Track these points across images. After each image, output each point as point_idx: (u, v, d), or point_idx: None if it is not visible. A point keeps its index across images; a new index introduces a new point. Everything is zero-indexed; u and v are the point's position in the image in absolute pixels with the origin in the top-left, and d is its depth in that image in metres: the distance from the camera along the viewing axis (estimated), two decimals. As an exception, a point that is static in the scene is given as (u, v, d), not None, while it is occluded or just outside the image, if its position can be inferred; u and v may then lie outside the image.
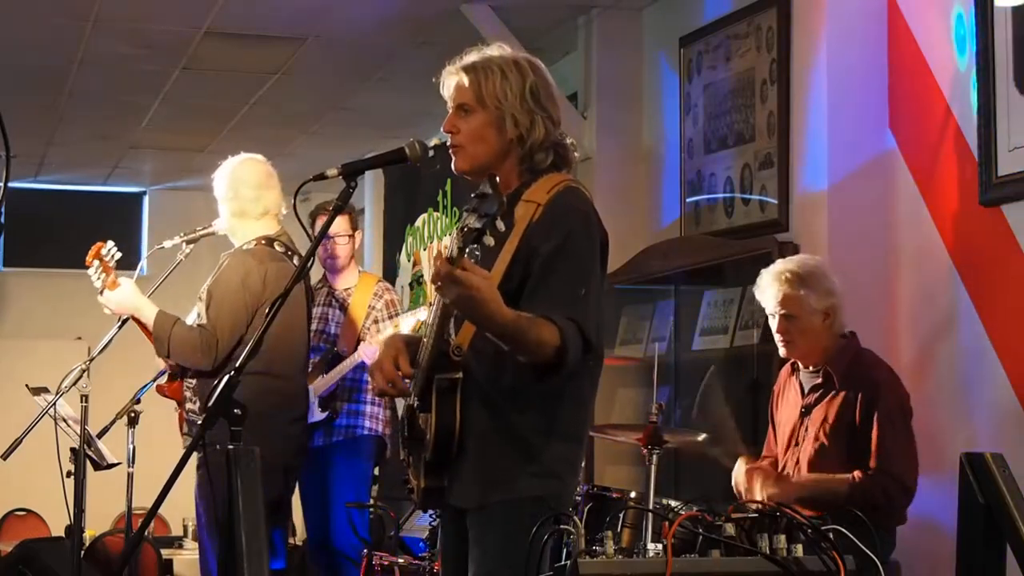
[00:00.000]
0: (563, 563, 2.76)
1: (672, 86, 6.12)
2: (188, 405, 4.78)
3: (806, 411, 4.18)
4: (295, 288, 3.10)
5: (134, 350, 5.47)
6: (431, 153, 3.10)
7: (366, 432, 5.65)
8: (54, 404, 5.23)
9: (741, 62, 5.58)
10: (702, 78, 5.87)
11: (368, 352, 5.45)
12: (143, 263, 5.65)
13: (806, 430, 4.16)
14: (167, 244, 5.02)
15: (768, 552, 2.75)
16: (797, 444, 4.18)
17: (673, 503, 3.91)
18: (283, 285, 3.00)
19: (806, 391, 4.21)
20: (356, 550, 5.23)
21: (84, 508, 5.24)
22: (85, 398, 5.18)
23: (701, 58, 5.89)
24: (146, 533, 6.93)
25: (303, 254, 4.87)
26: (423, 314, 5.63)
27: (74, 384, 5.19)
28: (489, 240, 2.61)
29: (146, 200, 11.12)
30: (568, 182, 3.01)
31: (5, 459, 5.36)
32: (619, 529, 3.78)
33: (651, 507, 3.76)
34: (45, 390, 5.41)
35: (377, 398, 5.64)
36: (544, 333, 2.79)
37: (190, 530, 7.73)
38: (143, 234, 11.00)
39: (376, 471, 5.91)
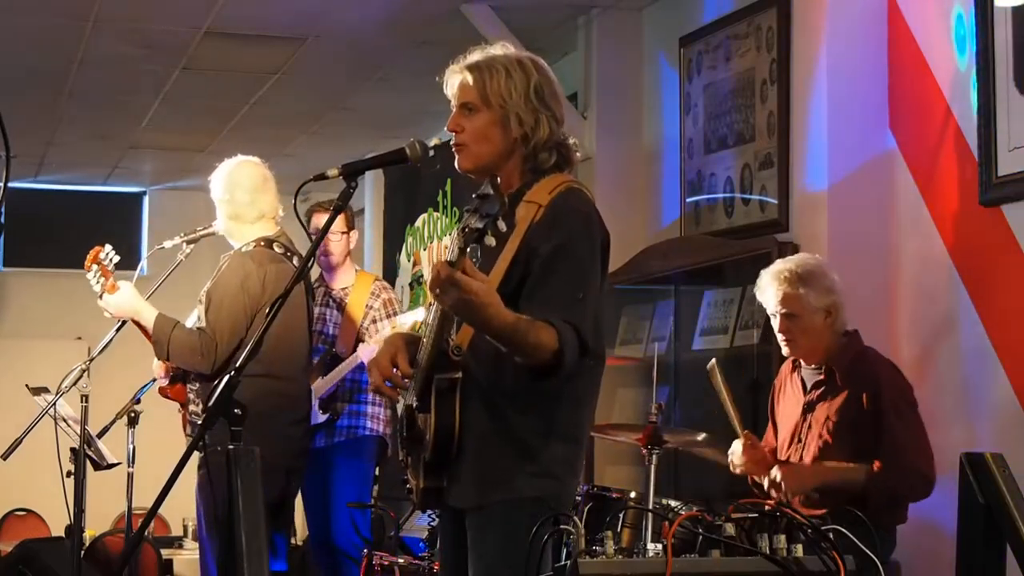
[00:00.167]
0: (563, 563, 2.76)
1: (672, 86, 6.12)
2: (191, 407, 4.77)
3: (808, 408, 4.18)
4: (295, 289, 3.09)
5: (134, 350, 5.47)
6: (431, 153, 3.10)
7: (368, 432, 5.64)
8: (54, 404, 5.23)
9: (741, 62, 5.58)
10: (702, 78, 5.87)
11: (367, 352, 5.44)
12: (143, 263, 5.65)
13: (809, 427, 4.16)
14: (167, 244, 5.02)
15: (768, 552, 2.75)
16: (800, 441, 4.18)
17: (673, 503, 3.91)
18: (283, 287, 3.00)
19: (808, 388, 4.21)
20: (358, 550, 5.22)
21: (84, 508, 5.25)
22: (85, 398, 5.19)
23: (701, 58, 5.89)
24: (146, 533, 6.93)
25: (303, 254, 4.90)
26: (421, 314, 5.62)
27: (74, 384, 5.20)
28: (490, 240, 2.61)
29: (146, 200, 11.13)
30: (570, 183, 3.01)
31: (5, 459, 5.36)
32: (619, 529, 3.78)
33: (651, 507, 3.76)
34: (45, 390, 5.42)
35: (378, 398, 5.63)
36: (542, 336, 2.79)
37: (190, 530, 7.73)
38: (143, 234, 11.01)
39: (376, 471, 5.90)
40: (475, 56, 3.05)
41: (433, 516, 4.55)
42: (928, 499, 4.07)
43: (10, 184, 2.91)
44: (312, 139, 8.99)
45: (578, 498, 3.94)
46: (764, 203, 5.38)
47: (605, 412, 5.81)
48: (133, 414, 5.54)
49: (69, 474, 5.24)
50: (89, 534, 6.64)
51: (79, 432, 5.20)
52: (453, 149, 3.04)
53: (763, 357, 5.07)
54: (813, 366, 4.21)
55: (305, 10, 6.39)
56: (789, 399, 4.30)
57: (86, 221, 10.44)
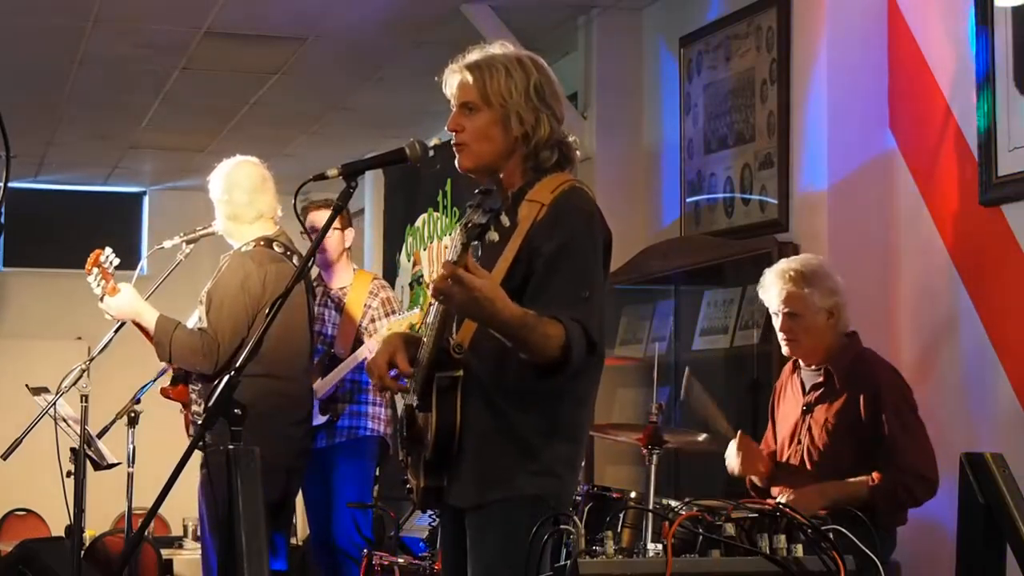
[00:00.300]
0: (563, 563, 2.76)
1: (672, 86, 6.12)
2: (194, 408, 4.77)
3: (807, 409, 4.18)
4: (296, 288, 3.09)
5: (134, 350, 5.47)
6: (431, 153, 3.10)
7: (369, 433, 5.63)
8: (54, 404, 5.23)
9: (741, 62, 5.58)
10: (702, 78, 5.87)
11: (366, 351, 5.43)
12: (143, 263, 5.65)
13: (808, 429, 4.16)
14: (167, 244, 5.02)
15: (768, 552, 2.75)
16: (799, 442, 4.18)
17: (673, 503, 3.91)
18: (283, 286, 3.00)
19: (807, 389, 4.21)
20: (359, 550, 5.22)
21: (84, 508, 5.25)
22: (85, 398, 5.19)
23: (701, 58, 5.89)
24: (146, 533, 6.93)
25: (302, 254, 4.90)
26: (415, 317, 5.61)
27: (74, 384, 5.20)
28: (493, 236, 2.61)
29: (146, 200, 11.13)
30: (572, 182, 3.01)
31: (5, 459, 5.36)
32: (619, 529, 3.78)
33: (651, 507, 3.76)
34: (45, 390, 5.42)
35: (379, 398, 5.63)
36: (550, 330, 2.79)
37: (190, 530, 7.73)
38: (143, 234, 11.01)
39: (376, 471, 5.89)
40: (474, 55, 3.05)
41: (433, 516, 4.55)
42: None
43: (10, 184, 2.91)
44: (312, 139, 8.99)
45: (578, 498, 3.94)
46: (764, 203, 5.38)
47: (605, 412, 5.80)
48: (133, 414, 5.54)
49: (69, 474, 5.25)
50: (89, 534, 6.64)
51: (79, 432, 5.20)
52: (454, 149, 3.04)
53: (763, 357, 5.07)
54: (812, 367, 4.21)
55: (305, 10, 6.38)
56: (789, 401, 4.30)
57: (86, 221, 10.44)
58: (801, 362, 4.25)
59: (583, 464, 3.24)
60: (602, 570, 2.70)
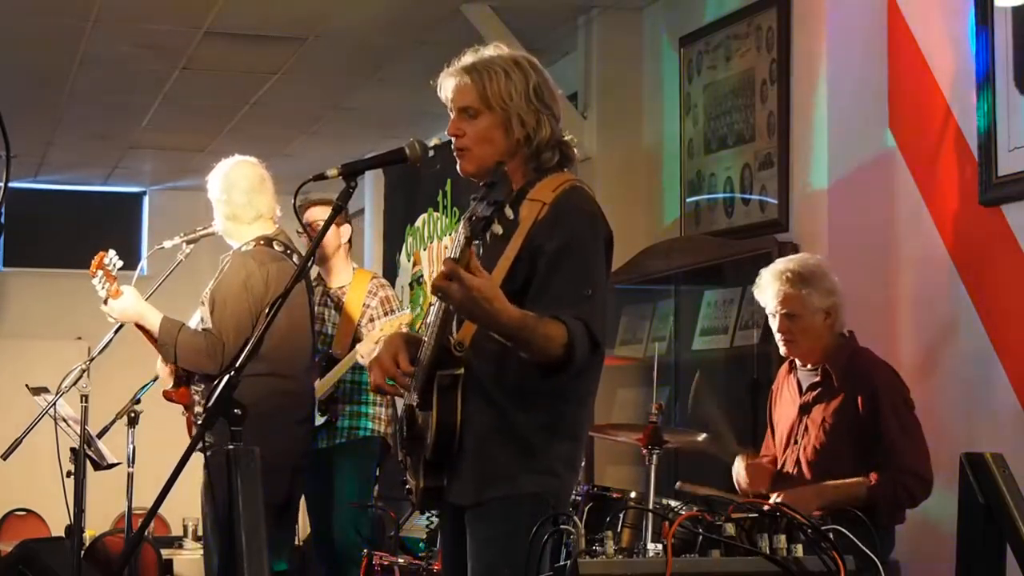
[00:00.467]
0: (563, 563, 2.76)
1: (672, 86, 6.12)
2: (197, 409, 4.77)
3: (804, 409, 4.18)
4: (297, 288, 3.09)
5: (134, 350, 5.46)
6: (431, 153, 3.10)
7: (369, 433, 5.63)
8: (54, 404, 5.23)
9: (741, 62, 5.58)
10: (702, 78, 5.87)
11: (357, 356, 5.43)
12: (143, 263, 5.64)
13: (805, 429, 4.16)
14: (167, 244, 5.02)
15: (768, 552, 2.75)
16: (796, 443, 4.18)
17: (673, 503, 3.91)
18: (285, 285, 3.00)
19: (804, 390, 4.21)
20: (359, 550, 5.22)
21: (84, 508, 5.25)
22: (85, 398, 5.19)
23: (701, 58, 5.89)
24: (146, 533, 6.93)
25: (302, 253, 4.90)
26: (406, 317, 5.60)
27: (74, 384, 5.20)
28: (497, 228, 2.60)
29: (146, 200, 11.13)
30: (573, 182, 3.01)
31: (5, 459, 5.36)
32: (619, 529, 3.78)
33: (651, 507, 3.76)
34: (45, 390, 5.42)
35: (379, 398, 5.62)
36: (551, 331, 2.79)
37: (190, 530, 7.74)
38: (143, 234, 11.01)
39: (376, 471, 5.89)
40: (469, 58, 3.04)
41: (432, 516, 4.55)
42: (928, 499, 4.07)
43: (10, 184, 2.91)
44: (312, 139, 8.99)
45: (578, 498, 3.94)
46: (764, 203, 5.38)
47: (605, 412, 5.80)
48: (133, 414, 5.53)
49: (69, 474, 5.24)
50: (89, 534, 6.64)
51: (79, 432, 5.20)
52: (455, 154, 3.04)
53: (763, 357, 5.07)
54: (809, 367, 4.20)
55: (305, 10, 6.39)
56: (786, 401, 4.30)
57: (86, 221, 10.45)
58: (798, 362, 4.25)
59: (583, 464, 3.24)
60: (602, 570, 2.70)
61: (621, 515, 3.83)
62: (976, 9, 4.48)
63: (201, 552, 5.59)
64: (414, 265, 8.32)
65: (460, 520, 3.02)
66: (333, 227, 5.64)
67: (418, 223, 8.26)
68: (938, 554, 4.17)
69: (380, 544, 5.65)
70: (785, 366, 4.34)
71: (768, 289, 4.19)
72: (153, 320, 4.71)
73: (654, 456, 3.96)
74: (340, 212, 3.01)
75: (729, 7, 5.70)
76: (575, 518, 2.78)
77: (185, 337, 4.65)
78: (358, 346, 5.47)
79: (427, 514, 4.70)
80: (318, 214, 5.59)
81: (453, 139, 3.04)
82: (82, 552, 5.48)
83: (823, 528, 2.80)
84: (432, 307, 2.94)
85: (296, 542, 6.65)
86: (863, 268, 4.86)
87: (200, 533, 6.97)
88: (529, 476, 2.92)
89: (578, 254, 2.91)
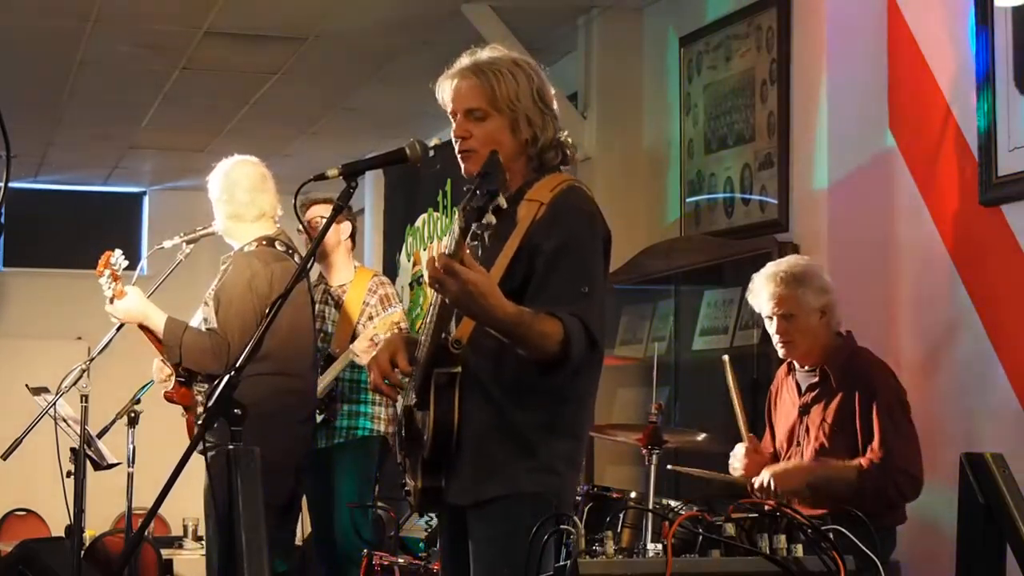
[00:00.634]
0: (563, 563, 2.76)
1: (672, 86, 6.12)
2: (199, 410, 4.76)
3: (804, 410, 4.17)
4: (298, 287, 3.09)
5: (134, 350, 5.46)
6: (431, 153, 3.10)
7: (368, 433, 5.63)
8: (54, 404, 5.23)
9: (741, 62, 5.58)
10: (702, 78, 5.87)
11: (351, 355, 5.42)
12: (143, 263, 5.64)
13: (805, 430, 4.16)
14: (167, 244, 5.01)
15: (768, 552, 2.75)
16: (797, 444, 4.18)
17: (673, 503, 3.91)
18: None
19: (803, 390, 4.20)
20: (359, 550, 5.22)
21: (84, 508, 5.25)
22: (85, 398, 5.18)
23: (701, 58, 5.89)
24: (146, 533, 6.93)
25: (302, 252, 4.90)
26: (397, 315, 5.58)
27: (74, 384, 5.20)
28: (490, 219, 2.59)
29: (146, 200, 11.13)
30: (571, 181, 3.01)
31: (5, 459, 5.37)
32: (619, 529, 3.78)
33: (651, 507, 3.76)
34: (45, 390, 5.42)
35: (379, 397, 5.61)
36: (547, 327, 2.79)
37: (190, 530, 7.74)
38: (143, 234, 11.01)
39: (376, 471, 5.89)
40: (470, 60, 3.04)
41: (431, 516, 4.54)
42: (928, 499, 4.07)
43: (10, 184, 2.91)
44: (312, 139, 8.99)
45: (578, 498, 3.94)
46: (764, 203, 5.38)
47: (605, 412, 5.80)
48: (133, 414, 5.54)
49: (69, 474, 5.25)
50: (89, 534, 6.64)
51: (79, 432, 5.20)
52: (460, 156, 3.03)
53: (763, 357, 5.06)
54: (807, 368, 4.20)
55: (305, 10, 6.39)
56: (785, 402, 4.30)
57: (86, 221, 10.45)
58: (796, 363, 4.25)
59: (583, 463, 3.23)
60: (602, 570, 2.70)
61: (621, 515, 3.83)
62: (976, 9, 4.48)
63: (201, 552, 5.59)
64: (414, 265, 8.32)
65: (459, 521, 3.01)
66: (332, 224, 5.65)
67: (418, 223, 8.25)
68: (938, 554, 4.17)
69: (380, 544, 5.66)
70: (783, 367, 4.33)
71: (762, 292, 4.18)
72: (157, 320, 4.70)
73: (654, 456, 3.96)
74: (340, 212, 3.00)
75: (729, 7, 5.70)
76: (575, 518, 2.78)
77: (190, 337, 4.64)
78: (352, 344, 5.47)
79: (427, 515, 4.70)
80: (320, 212, 5.59)
81: (458, 141, 3.03)
82: (82, 552, 5.48)
83: (823, 528, 2.80)
84: (431, 307, 2.94)
85: (296, 542, 6.65)
86: (863, 268, 4.86)
87: (200, 533, 6.98)
88: (529, 475, 2.92)
89: (576, 253, 2.91)
